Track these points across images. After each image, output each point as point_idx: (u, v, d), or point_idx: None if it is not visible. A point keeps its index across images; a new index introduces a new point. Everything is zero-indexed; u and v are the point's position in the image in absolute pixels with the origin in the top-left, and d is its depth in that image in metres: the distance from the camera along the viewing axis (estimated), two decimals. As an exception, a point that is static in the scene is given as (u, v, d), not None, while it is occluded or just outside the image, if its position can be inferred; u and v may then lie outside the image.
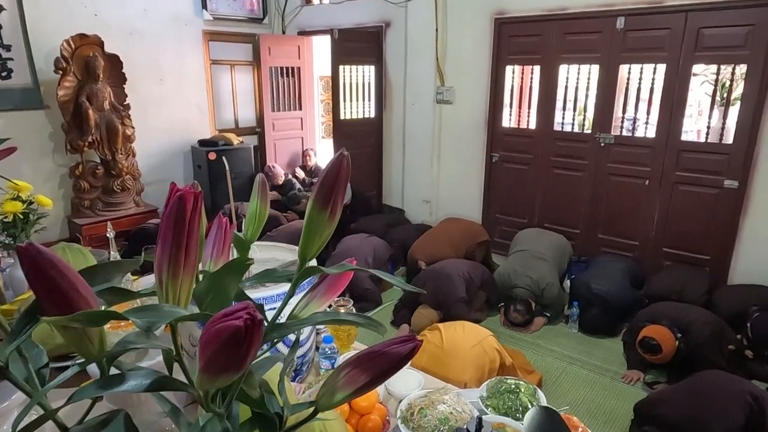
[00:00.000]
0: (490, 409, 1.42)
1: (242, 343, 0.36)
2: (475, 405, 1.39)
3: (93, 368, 1.16)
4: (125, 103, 4.92)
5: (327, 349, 1.47)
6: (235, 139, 5.82)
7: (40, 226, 1.77)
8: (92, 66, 4.54)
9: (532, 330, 3.70)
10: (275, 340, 0.52)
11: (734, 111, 3.64)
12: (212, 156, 5.45)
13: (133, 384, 0.39)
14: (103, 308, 0.44)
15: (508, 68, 4.69)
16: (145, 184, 5.25)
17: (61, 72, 4.45)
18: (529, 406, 1.40)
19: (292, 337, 1.30)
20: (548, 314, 3.79)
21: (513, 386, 1.49)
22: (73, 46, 4.47)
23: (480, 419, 0.60)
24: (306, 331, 1.39)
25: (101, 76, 4.62)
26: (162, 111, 5.49)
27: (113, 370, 0.47)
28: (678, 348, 2.89)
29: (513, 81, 4.72)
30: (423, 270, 3.95)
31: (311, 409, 0.52)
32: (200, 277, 0.55)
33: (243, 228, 0.74)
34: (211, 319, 0.36)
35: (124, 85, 4.90)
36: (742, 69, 3.57)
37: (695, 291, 3.47)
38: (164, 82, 5.46)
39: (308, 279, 0.79)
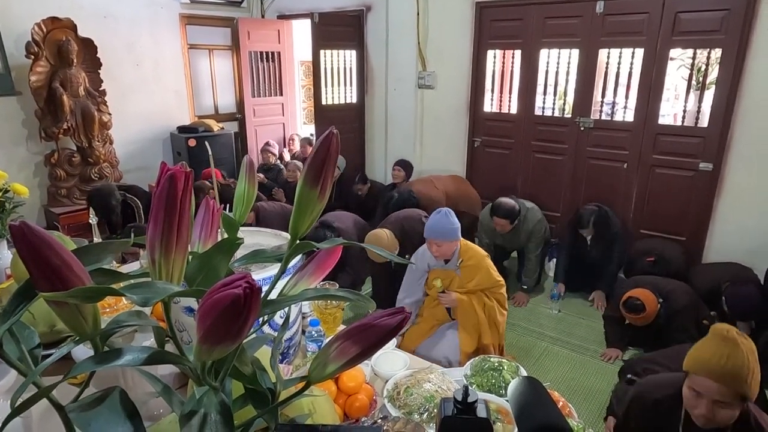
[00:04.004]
0: (474, 386, 1.46)
1: (241, 311, 0.36)
2: (460, 383, 1.42)
3: (79, 355, 1.16)
4: (101, 88, 4.79)
5: (313, 332, 1.49)
6: (215, 126, 5.73)
7: (17, 215, 1.74)
8: (65, 50, 4.40)
9: (519, 303, 3.85)
10: (266, 317, 0.53)
11: (709, 95, 3.71)
12: (192, 143, 5.36)
13: (129, 358, 0.40)
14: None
15: (490, 53, 4.70)
16: (123, 171, 5.15)
17: (32, 57, 4.30)
18: (512, 383, 1.45)
19: (279, 321, 1.31)
20: (525, 286, 3.95)
21: (496, 364, 1.53)
22: (44, 30, 4.32)
23: (466, 387, 0.63)
24: (293, 314, 1.40)
25: (75, 60, 4.49)
26: (139, 97, 5.37)
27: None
28: (659, 313, 2.97)
29: (494, 65, 4.73)
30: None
31: (303, 384, 0.53)
32: (190, 258, 0.55)
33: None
34: (210, 289, 0.36)
35: (99, 70, 4.77)
36: (717, 53, 3.64)
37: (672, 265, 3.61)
38: (141, 67, 5.33)
39: (294, 262, 0.80)
